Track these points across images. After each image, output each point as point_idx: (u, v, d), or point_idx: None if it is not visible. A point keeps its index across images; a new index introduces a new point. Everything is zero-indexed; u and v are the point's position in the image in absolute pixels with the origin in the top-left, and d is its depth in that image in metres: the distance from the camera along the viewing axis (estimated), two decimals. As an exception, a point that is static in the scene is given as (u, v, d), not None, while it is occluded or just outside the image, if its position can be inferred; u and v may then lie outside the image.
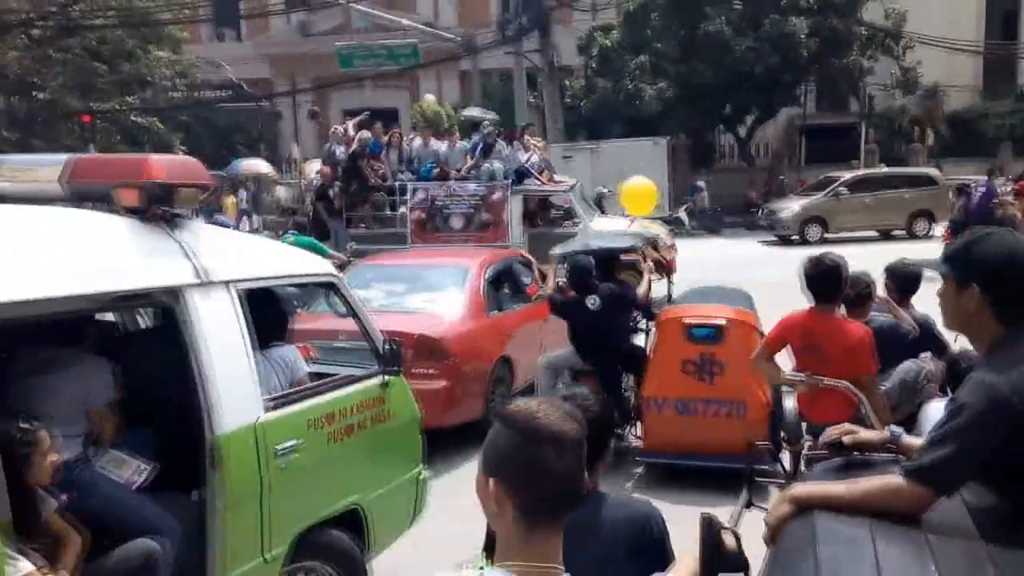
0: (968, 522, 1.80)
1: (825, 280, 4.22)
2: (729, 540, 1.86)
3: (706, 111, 26.40)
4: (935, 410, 3.61)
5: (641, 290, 6.72)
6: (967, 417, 1.82)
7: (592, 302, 6.22)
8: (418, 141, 13.61)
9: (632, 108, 25.02)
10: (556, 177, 13.49)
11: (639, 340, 7.09)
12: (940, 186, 20.81)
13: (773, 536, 1.92)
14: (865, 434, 2.35)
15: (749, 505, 2.97)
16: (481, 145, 12.56)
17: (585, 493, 1.52)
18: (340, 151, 13.03)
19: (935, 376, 4.59)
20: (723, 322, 5.99)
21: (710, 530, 1.84)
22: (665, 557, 2.12)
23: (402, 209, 12.26)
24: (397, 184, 12.56)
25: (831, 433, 2.34)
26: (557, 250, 7.50)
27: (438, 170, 12.71)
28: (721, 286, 7.24)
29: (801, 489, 2.00)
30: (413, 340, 6.19)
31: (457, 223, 12.00)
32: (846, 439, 2.28)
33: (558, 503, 1.41)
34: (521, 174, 12.39)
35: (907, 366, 4.59)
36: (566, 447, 1.39)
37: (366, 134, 12.87)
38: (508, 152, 12.59)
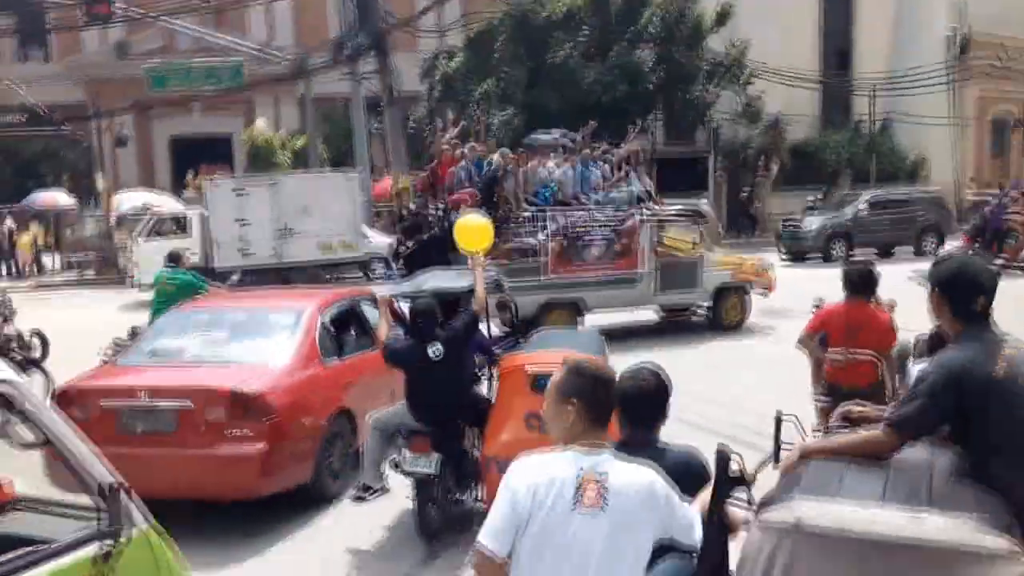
0: (926, 465, 2.62)
1: (866, 279, 5.58)
2: (735, 463, 2.57)
3: (556, 141, 25.65)
4: (915, 369, 4.86)
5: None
6: (928, 384, 2.69)
7: (434, 352, 5.44)
8: (530, 163, 12.12)
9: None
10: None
11: (484, 388, 6.36)
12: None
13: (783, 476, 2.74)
14: (866, 410, 3.29)
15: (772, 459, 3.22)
16: (598, 170, 11.94)
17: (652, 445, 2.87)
18: (468, 173, 11.25)
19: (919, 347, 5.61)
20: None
21: (720, 456, 2.56)
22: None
23: (540, 237, 11.10)
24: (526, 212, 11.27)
25: (843, 410, 3.31)
26: (385, 291, 6.87)
27: (558, 195, 11.57)
28: (572, 329, 6.94)
29: (809, 443, 2.89)
30: (226, 397, 5.63)
31: (596, 252, 11.33)
32: (855, 411, 3.26)
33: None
34: (640, 199, 11.90)
35: (902, 342, 5.80)
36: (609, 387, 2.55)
37: (496, 156, 11.54)
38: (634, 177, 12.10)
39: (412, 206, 12.40)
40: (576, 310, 11.25)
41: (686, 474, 2.69)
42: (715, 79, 26.91)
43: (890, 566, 2.21)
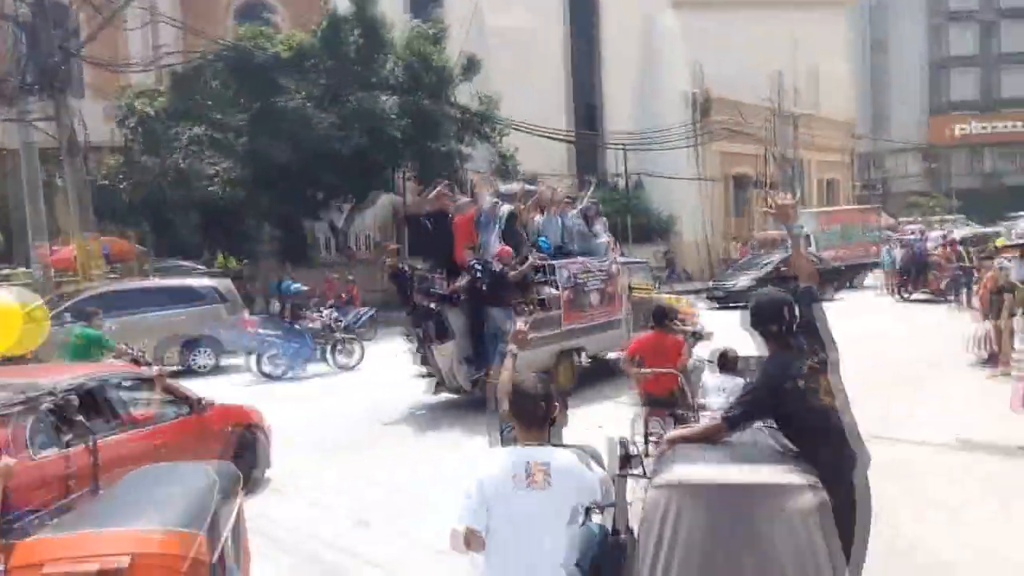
0: (754, 441, 3.96)
1: (661, 314, 7.71)
2: (633, 448, 3.85)
3: (290, 197, 22.18)
4: (707, 377, 7.11)
5: None
6: (751, 391, 3.96)
7: None
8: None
9: (188, 190, 19.80)
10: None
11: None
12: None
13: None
14: (685, 432, 4.20)
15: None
16: (581, 219, 12.27)
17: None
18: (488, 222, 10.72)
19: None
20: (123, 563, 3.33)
21: (620, 443, 3.79)
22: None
23: (553, 290, 11.16)
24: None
25: (669, 436, 4.17)
26: None
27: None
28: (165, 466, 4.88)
29: (673, 433, 4.24)
30: None
31: (595, 299, 11.79)
32: (674, 436, 4.09)
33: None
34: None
35: (692, 361, 7.65)
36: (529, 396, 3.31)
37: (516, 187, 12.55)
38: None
39: (403, 266, 10.90)
40: (576, 356, 11.70)
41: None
42: (466, 133, 25.07)
43: (738, 502, 3.36)
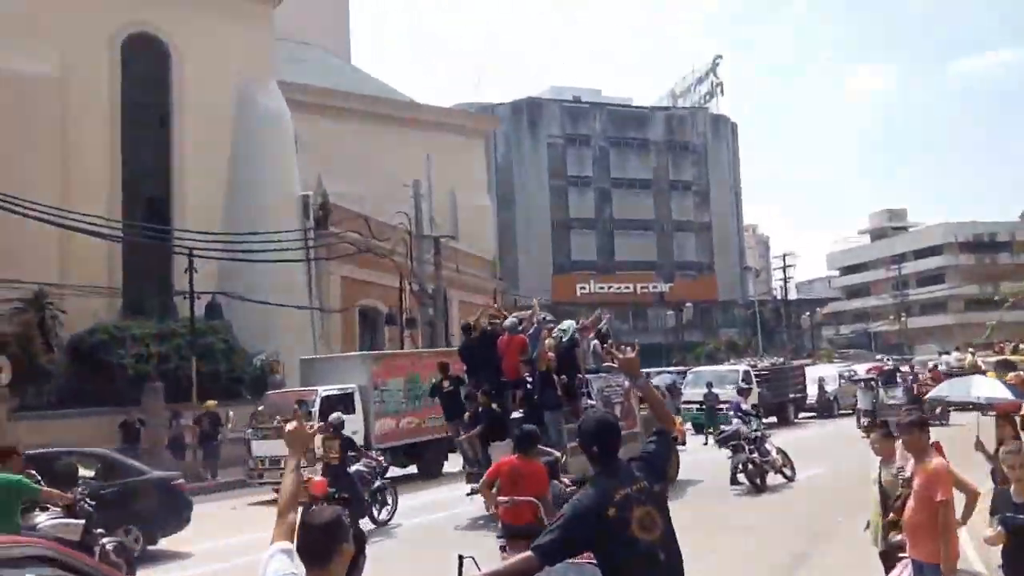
0: None
1: (525, 438, 7.22)
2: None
3: None
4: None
5: None
6: (563, 520, 3.30)
7: None
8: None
9: None
10: None
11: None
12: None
13: None
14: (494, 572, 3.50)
15: None
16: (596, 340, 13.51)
17: None
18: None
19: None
20: None
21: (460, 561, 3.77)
22: None
23: (589, 400, 12.27)
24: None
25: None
26: None
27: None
28: None
29: (486, 571, 3.48)
30: None
31: (618, 412, 12.55)
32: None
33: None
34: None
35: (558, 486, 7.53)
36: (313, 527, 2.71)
37: (568, 322, 13.14)
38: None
39: (446, 383, 12.98)
40: None
41: None
42: None
43: None
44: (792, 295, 67.48)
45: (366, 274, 25.23)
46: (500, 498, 6.98)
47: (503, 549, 6.75)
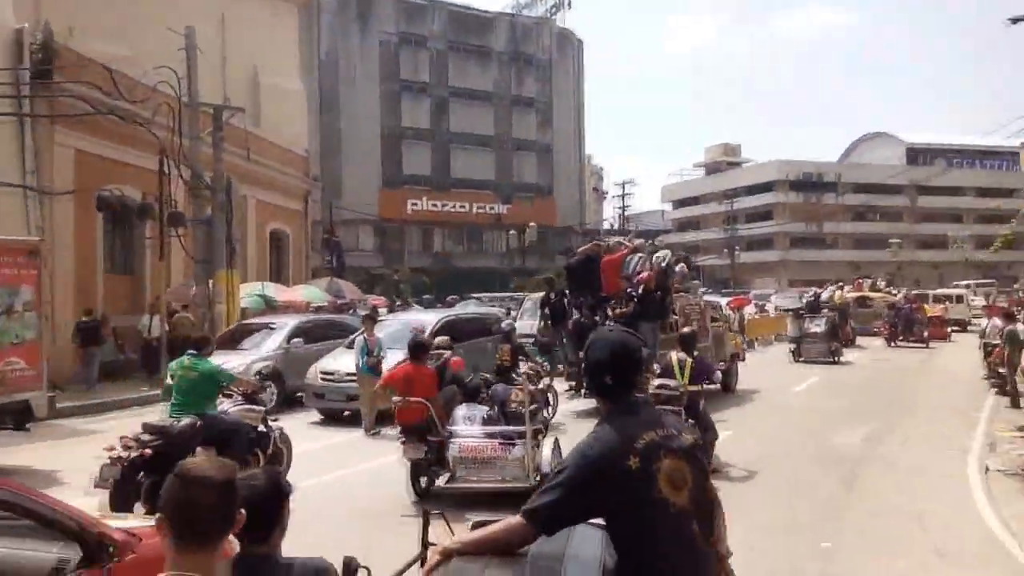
0: (563, 559, 2.27)
1: (417, 347, 8.60)
2: (361, 572, 2.53)
3: None
4: (458, 408, 8.40)
5: None
6: (566, 475, 2.31)
7: None
8: None
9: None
10: None
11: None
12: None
13: None
14: (472, 537, 2.52)
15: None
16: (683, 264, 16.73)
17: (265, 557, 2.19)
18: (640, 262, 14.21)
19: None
20: None
21: (347, 566, 2.48)
22: None
23: (674, 316, 14.40)
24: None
25: (444, 548, 2.48)
26: None
27: None
28: None
29: (449, 543, 2.44)
30: None
31: (696, 327, 14.11)
32: (452, 547, 2.50)
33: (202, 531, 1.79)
34: None
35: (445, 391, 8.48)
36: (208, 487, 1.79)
37: (665, 251, 15.30)
38: None
39: (553, 295, 15.56)
40: None
41: None
42: None
43: None
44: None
45: (113, 150, 18.84)
46: (395, 398, 8.14)
47: (402, 443, 8.02)
